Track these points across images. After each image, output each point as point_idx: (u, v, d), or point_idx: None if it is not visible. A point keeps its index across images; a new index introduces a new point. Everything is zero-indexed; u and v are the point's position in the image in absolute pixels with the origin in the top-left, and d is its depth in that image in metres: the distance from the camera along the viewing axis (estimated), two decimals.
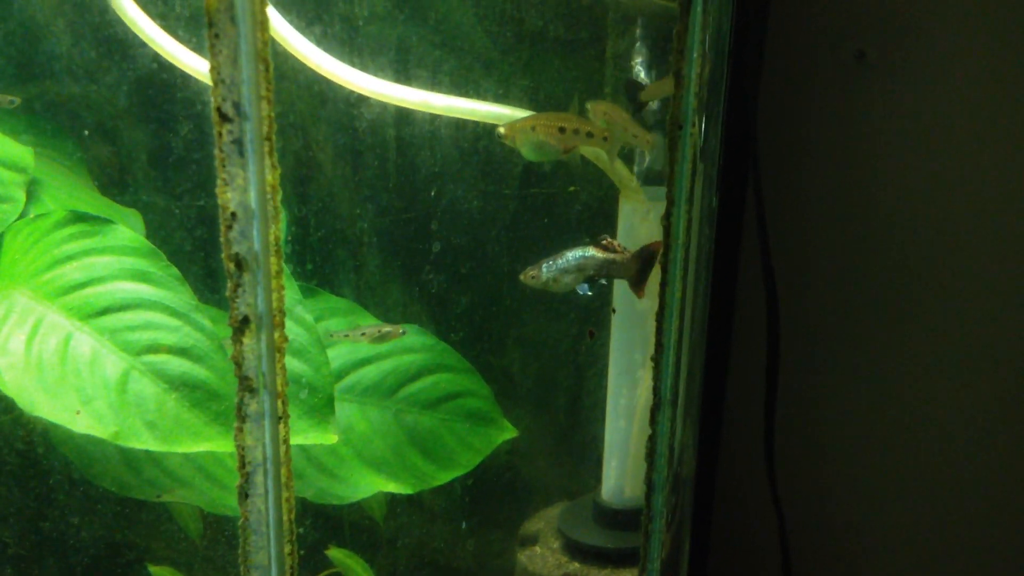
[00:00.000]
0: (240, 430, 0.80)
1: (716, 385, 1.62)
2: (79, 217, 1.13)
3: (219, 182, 0.73)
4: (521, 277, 1.09)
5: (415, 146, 1.26)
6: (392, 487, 1.25)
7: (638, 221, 1.22)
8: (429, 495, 1.34)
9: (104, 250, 1.11)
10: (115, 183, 1.25)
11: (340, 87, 1.15)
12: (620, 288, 1.24)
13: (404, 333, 1.23)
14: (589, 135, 1.10)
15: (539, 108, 1.18)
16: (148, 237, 1.17)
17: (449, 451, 1.28)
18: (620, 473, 1.32)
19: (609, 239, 1.09)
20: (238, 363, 0.78)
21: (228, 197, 0.73)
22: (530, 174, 1.31)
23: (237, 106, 0.71)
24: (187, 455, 1.16)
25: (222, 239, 0.74)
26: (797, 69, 1.45)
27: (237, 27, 0.70)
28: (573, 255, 1.09)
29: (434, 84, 1.23)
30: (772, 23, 1.44)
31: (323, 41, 1.16)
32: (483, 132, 1.24)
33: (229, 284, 0.75)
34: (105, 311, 1.09)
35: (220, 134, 0.72)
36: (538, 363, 1.41)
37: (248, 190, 0.74)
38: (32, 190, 1.18)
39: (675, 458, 1.21)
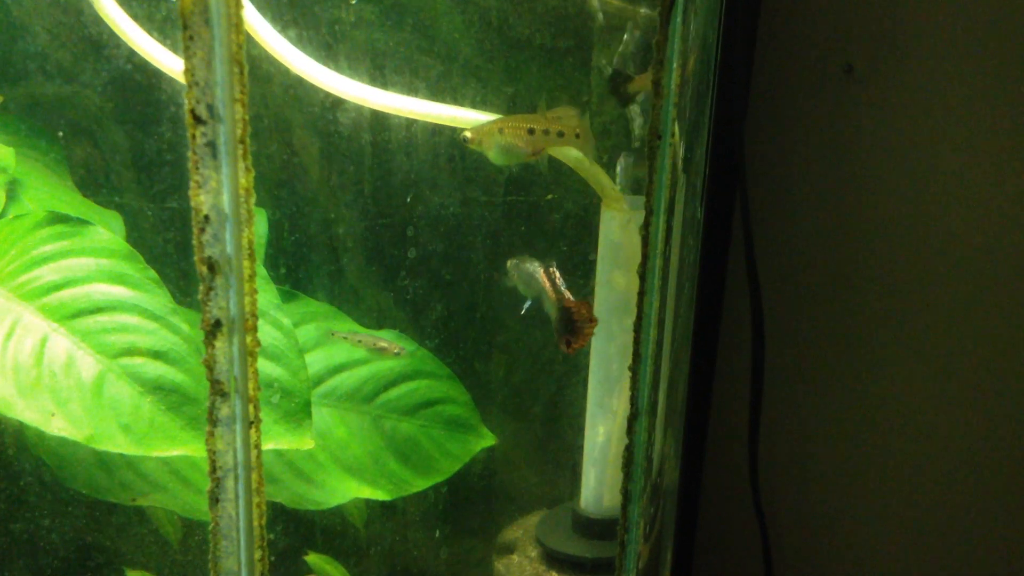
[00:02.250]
0: (211, 434, 0.80)
1: (701, 395, 1.62)
2: (58, 218, 1.13)
3: (192, 184, 0.73)
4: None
5: (394, 151, 1.26)
6: (369, 493, 1.24)
7: (619, 230, 1.22)
8: (406, 502, 1.33)
9: (82, 251, 1.11)
10: (96, 184, 1.24)
11: (318, 90, 1.15)
12: (599, 297, 1.24)
13: (400, 353, 1.23)
14: (560, 135, 1.09)
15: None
16: (128, 239, 1.16)
17: (427, 458, 1.28)
18: (599, 482, 1.32)
19: (554, 270, 1.08)
20: (210, 367, 0.77)
21: (201, 200, 0.73)
22: (510, 181, 1.31)
23: (211, 108, 0.71)
24: (163, 459, 1.15)
25: (194, 242, 0.74)
26: (785, 82, 1.45)
27: (211, 29, 0.69)
28: (530, 268, 1.09)
29: (416, 90, 1.22)
30: (760, 35, 1.44)
31: (306, 45, 1.15)
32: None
33: (201, 287, 0.75)
34: (81, 313, 1.09)
35: (194, 136, 0.72)
36: (518, 370, 1.40)
37: (221, 193, 0.73)
38: (12, 190, 1.17)
39: (653, 468, 1.21)
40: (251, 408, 0.80)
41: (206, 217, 0.74)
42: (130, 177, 1.24)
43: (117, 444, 1.05)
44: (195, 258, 0.74)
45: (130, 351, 1.08)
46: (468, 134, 1.08)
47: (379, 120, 1.23)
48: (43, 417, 1.04)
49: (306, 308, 1.25)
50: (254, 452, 0.81)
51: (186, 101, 0.71)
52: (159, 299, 1.10)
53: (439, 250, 1.30)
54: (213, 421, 0.79)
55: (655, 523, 1.28)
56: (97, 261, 1.10)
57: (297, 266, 1.28)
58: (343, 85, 1.15)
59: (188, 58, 0.70)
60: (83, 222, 1.12)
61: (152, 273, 1.11)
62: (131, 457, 1.14)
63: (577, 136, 1.09)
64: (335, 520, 1.33)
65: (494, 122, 1.08)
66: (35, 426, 1.04)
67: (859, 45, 1.38)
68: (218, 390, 0.78)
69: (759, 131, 1.46)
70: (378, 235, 1.29)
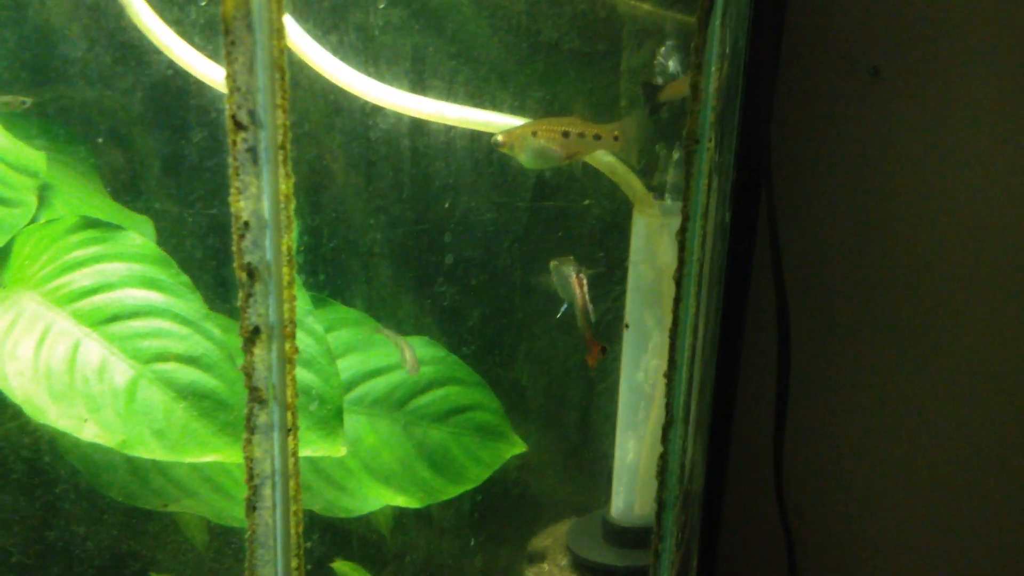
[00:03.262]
0: (249, 442, 0.79)
1: (725, 400, 1.60)
2: (90, 223, 1.13)
3: (232, 191, 0.72)
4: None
5: (428, 157, 1.25)
6: (400, 501, 1.24)
7: (652, 236, 1.21)
8: (437, 510, 1.32)
9: (115, 256, 1.11)
10: (128, 189, 1.24)
11: (354, 97, 1.14)
12: (632, 304, 1.23)
13: (411, 372, 1.23)
14: (597, 138, 1.08)
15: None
16: (160, 244, 1.16)
17: (458, 465, 1.27)
18: (630, 490, 1.31)
19: (582, 277, 1.07)
20: (248, 374, 0.77)
21: (241, 206, 0.73)
22: (542, 186, 1.30)
23: (252, 114, 0.71)
24: (194, 465, 1.15)
25: (234, 248, 0.73)
26: (812, 85, 1.43)
27: (253, 35, 0.69)
28: (566, 272, 1.08)
29: (449, 95, 1.22)
30: (787, 38, 1.43)
31: (339, 51, 1.15)
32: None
33: (241, 294, 0.74)
34: (114, 318, 1.09)
35: (234, 142, 0.71)
36: (549, 377, 1.39)
37: (262, 199, 0.73)
38: (44, 195, 1.17)
39: (686, 475, 1.20)
40: (289, 415, 0.79)
41: (246, 223, 0.73)
42: (162, 182, 1.23)
43: (150, 450, 1.04)
44: (235, 264, 0.74)
45: (163, 356, 1.08)
46: (499, 137, 1.06)
47: (415, 126, 1.23)
48: (76, 423, 1.03)
49: (336, 314, 1.25)
50: (291, 460, 0.81)
51: (227, 107, 0.71)
52: (192, 304, 1.10)
53: (472, 256, 1.29)
54: (251, 428, 0.78)
55: (685, 530, 1.26)
56: (129, 266, 1.10)
57: (328, 271, 1.27)
58: (375, 90, 1.14)
59: (230, 63, 0.69)
60: (115, 227, 1.12)
61: (185, 278, 1.10)
62: (163, 463, 1.13)
63: (616, 139, 1.08)
64: (364, 528, 1.33)
65: (526, 125, 1.07)
66: (68, 432, 1.03)
67: (886, 48, 1.37)
68: (256, 397, 0.78)
69: (785, 134, 1.44)
70: (410, 241, 1.28)
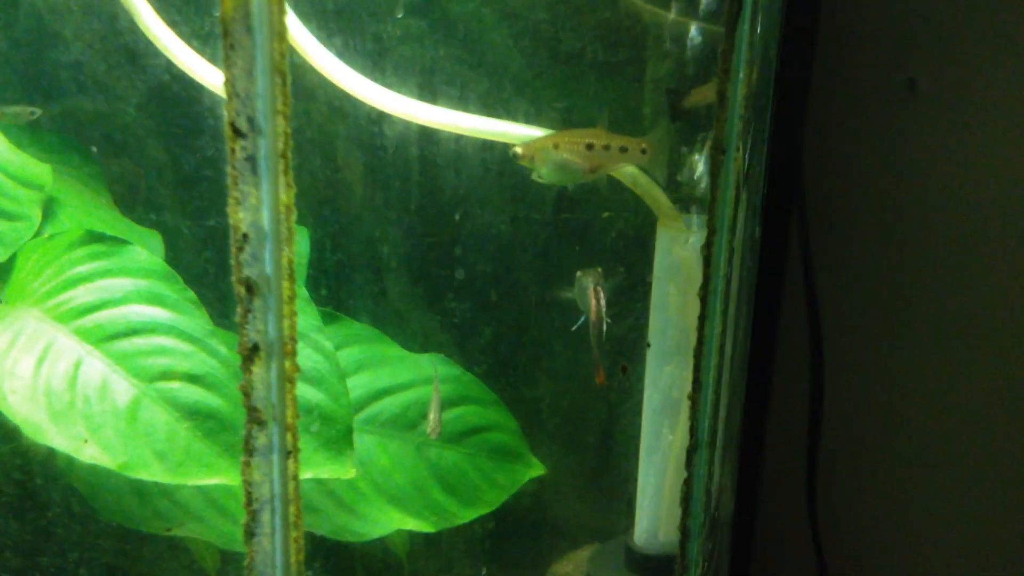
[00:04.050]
0: (247, 464, 0.75)
1: (756, 424, 1.56)
2: (94, 237, 1.10)
3: (231, 201, 0.69)
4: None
5: (441, 167, 1.22)
6: (413, 525, 1.20)
7: (677, 250, 1.17)
8: (451, 534, 1.28)
9: (119, 271, 1.08)
10: (136, 203, 1.21)
11: (363, 105, 1.11)
12: (656, 322, 1.19)
13: (430, 434, 1.19)
14: (623, 150, 1.03)
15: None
16: (171, 259, 1.13)
17: (473, 488, 1.23)
18: (653, 516, 1.26)
19: (600, 291, 1.03)
20: (247, 393, 0.73)
21: (240, 217, 0.69)
22: (562, 199, 1.26)
23: (251, 121, 0.67)
24: (200, 488, 1.11)
25: (232, 261, 0.70)
26: (845, 97, 1.40)
27: (253, 38, 0.66)
28: (585, 283, 1.04)
29: (465, 104, 1.18)
30: (819, 49, 1.40)
31: (353, 59, 1.12)
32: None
33: (239, 309, 0.71)
34: (117, 335, 1.06)
35: (233, 150, 0.68)
36: (568, 397, 1.35)
37: (261, 210, 0.69)
38: (49, 208, 1.15)
39: (712, 502, 1.16)
40: (289, 437, 0.75)
41: (244, 235, 0.70)
42: (170, 195, 1.21)
43: (151, 472, 1.01)
44: (233, 278, 0.70)
45: (166, 375, 1.05)
46: (519, 150, 1.02)
47: (425, 135, 1.19)
48: (75, 444, 1.00)
49: (348, 330, 1.21)
50: (292, 484, 0.77)
51: (226, 113, 0.67)
52: (197, 321, 1.06)
53: (487, 271, 1.26)
54: (249, 451, 0.75)
55: (712, 559, 1.22)
56: (134, 281, 1.07)
57: (340, 287, 1.24)
58: (388, 99, 1.11)
59: (228, 68, 0.66)
60: (120, 241, 1.09)
61: (190, 294, 1.08)
62: (166, 485, 1.10)
63: (643, 152, 1.03)
64: (375, 554, 1.29)
65: (548, 137, 1.02)
66: (67, 453, 1.00)
67: (922, 59, 1.33)
68: (255, 418, 0.74)
69: (817, 148, 1.41)
70: (424, 255, 1.25)
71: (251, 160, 0.68)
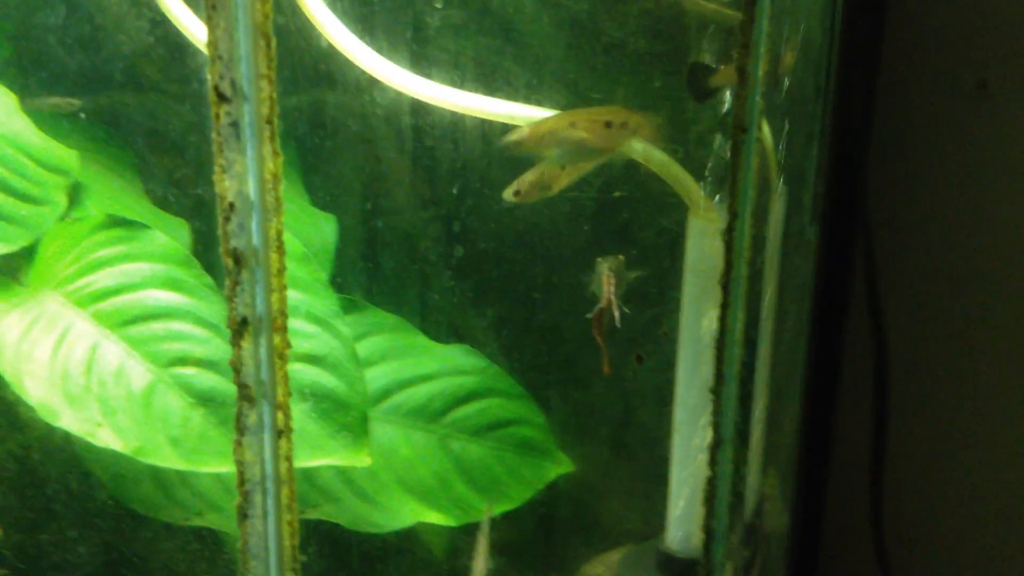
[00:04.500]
0: (239, 443, 0.74)
1: (821, 437, 1.52)
2: (116, 222, 1.10)
3: (216, 169, 0.67)
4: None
5: (476, 158, 1.20)
6: (434, 518, 1.18)
7: (709, 241, 1.13)
8: (473, 530, 1.26)
9: (139, 256, 1.08)
10: (165, 190, 1.21)
11: (398, 94, 1.10)
12: (686, 315, 1.15)
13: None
14: (624, 125, 0.97)
15: None
16: (196, 247, 1.13)
17: (498, 482, 1.21)
18: (687, 518, 1.22)
19: (612, 277, 0.99)
20: (236, 369, 0.72)
21: (226, 186, 0.68)
22: (586, 183, 1.23)
23: (235, 84, 0.66)
24: (218, 476, 1.10)
25: (219, 232, 0.68)
26: (911, 99, 1.36)
27: None
28: (601, 268, 1.00)
29: (510, 95, 1.16)
30: (886, 48, 1.36)
31: (395, 51, 1.10)
32: None
33: (227, 282, 0.69)
34: (134, 320, 1.06)
35: (217, 115, 0.66)
36: (599, 391, 1.32)
37: (247, 178, 0.68)
38: (76, 194, 1.15)
39: (747, 506, 1.12)
40: (281, 416, 0.74)
41: (231, 205, 0.68)
42: (202, 183, 1.20)
43: (165, 458, 1.01)
44: (220, 250, 0.69)
45: (182, 360, 1.04)
46: (524, 130, 0.96)
47: (459, 123, 1.17)
48: (89, 427, 1.00)
49: (374, 319, 1.20)
50: (284, 465, 0.75)
51: (209, 77, 0.66)
52: (214, 306, 1.06)
53: (514, 259, 1.23)
54: (240, 429, 0.74)
55: (752, 569, 1.18)
56: (152, 266, 1.07)
57: (366, 275, 1.23)
58: (421, 87, 1.09)
59: (211, 30, 0.65)
60: (141, 226, 1.10)
61: (208, 279, 1.07)
62: (186, 474, 1.09)
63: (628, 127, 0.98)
64: (408, 543, 1.27)
65: (560, 116, 0.98)
66: (82, 436, 1.00)
67: (994, 59, 1.29)
68: (245, 395, 0.73)
69: (883, 152, 1.37)
70: (450, 244, 1.23)
71: (235, 126, 0.66)
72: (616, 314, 0.99)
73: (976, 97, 1.31)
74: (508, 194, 1.00)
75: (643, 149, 1.05)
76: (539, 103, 1.12)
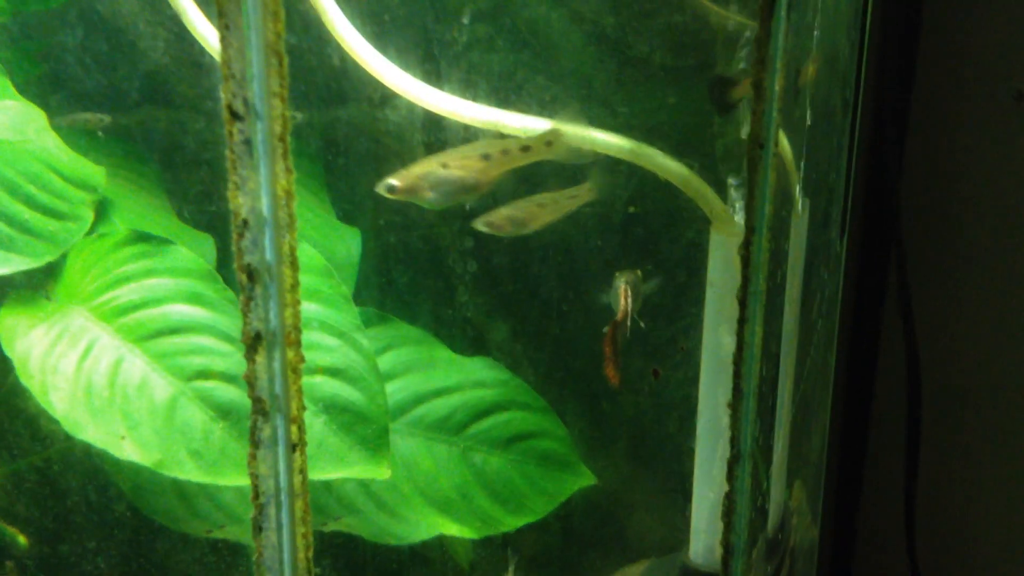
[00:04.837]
0: (253, 457, 0.74)
1: (854, 456, 1.51)
2: (141, 237, 1.12)
3: (230, 186, 0.68)
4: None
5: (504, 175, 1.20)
6: (455, 530, 1.18)
7: (731, 255, 1.13)
8: (501, 543, 1.26)
9: (162, 271, 1.10)
10: (191, 206, 1.23)
11: (419, 108, 1.10)
12: (710, 329, 1.15)
13: None
14: (525, 149, 0.95)
15: (640, 135, 1.09)
16: (221, 263, 1.14)
17: (519, 495, 1.21)
18: (710, 532, 1.22)
19: (628, 288, 0.99)
20: (251, 383, 0.72)
21: (239, 202, 0.69)
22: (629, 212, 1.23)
23: (247, 103, 0.66)
24: (240, 489, 1.11)
25: (234, 248, 0.69)
26: (946, 110, 1.35)
27: (247, 17, 0.65)
28: (618, 282, 1.00)
29: (539, 111, 1.16)
30: (921, 60, 1.35)
31: (423, 66, 1.11)
32: None
33: (241, 298, 0.70)
34: (157, 334, 1.07)
35: (231, 133, 0.67)
36: (621, 404, 1.32)
37: (260, 195, 0.69)
38: (103, 210, 1.17)
39: (769, 522, 1.11)
40: (295, 429, 0.74)
41: (244, 221, 0.69)
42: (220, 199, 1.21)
43: (186, 471, 1.02)
44: (234, 266, 0.70)
45: (204, 374, 1.06)
46: (394, 181, 0.93)
47: (479, 136, 1.18)
48: (112, 440, 1.02)
49: (396, 332, 1.21)
50: (298, 478, 0.76)
51: (222, 95, 0.67)
52: (236, 320, 1.06)
53: (537, 272, 1.23)
54: (255, 443, 0.74)
55: None
56: (176, 281, 1.09)
57: (390, 288, 1.23)
58: (441, 101, 1.10)
59: (224, 49, 0.66)
60: (165, 241, 1.11)
61: (230, 294, 1.09)
62: (209, 487, 1.10)
63: (548, 144, 0.96)
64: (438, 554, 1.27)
65: (426, 160, 0.94)
66: (105, 449, 1.02)
67: None
68: (259, 409, 0.73)
69: (918, 165, 1.36)
70: (475, 258, 1.23)
71: (248, 144, 0.67)
72: (627, 326, 0.99)
73: (1012, 109, 1.30)
74: (479, 224, 0.99)
75: (663, 163, 1.05)
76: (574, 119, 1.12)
